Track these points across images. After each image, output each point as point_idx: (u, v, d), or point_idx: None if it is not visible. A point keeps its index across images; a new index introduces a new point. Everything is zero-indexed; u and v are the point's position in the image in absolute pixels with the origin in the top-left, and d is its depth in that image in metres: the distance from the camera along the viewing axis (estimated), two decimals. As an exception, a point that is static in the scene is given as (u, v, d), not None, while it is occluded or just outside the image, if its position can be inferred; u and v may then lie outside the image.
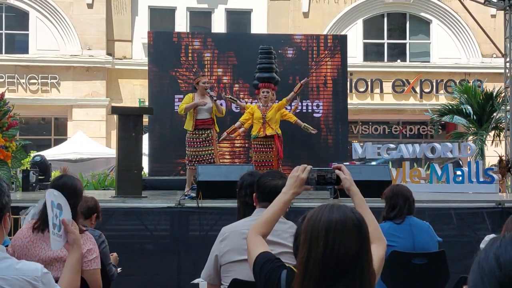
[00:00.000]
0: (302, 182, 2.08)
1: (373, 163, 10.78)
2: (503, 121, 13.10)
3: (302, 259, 1.64)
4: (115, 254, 4.08)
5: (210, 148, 7.41)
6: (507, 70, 11.76)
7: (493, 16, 16.95)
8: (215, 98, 7.40)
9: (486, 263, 1.06)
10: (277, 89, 8.41)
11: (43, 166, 9.61)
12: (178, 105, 8.19)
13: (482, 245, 3.07)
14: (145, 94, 12.91)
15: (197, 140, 7.41)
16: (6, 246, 2.75)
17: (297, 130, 9.01)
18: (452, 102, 15.45)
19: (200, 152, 7.40)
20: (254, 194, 2.86)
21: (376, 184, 5.37)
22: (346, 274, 1.59)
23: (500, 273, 1.03)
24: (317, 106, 10.98)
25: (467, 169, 9.41)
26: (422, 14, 18.59)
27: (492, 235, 3.18)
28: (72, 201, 2.99)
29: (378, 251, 1.97)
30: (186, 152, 7.53)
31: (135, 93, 17.28)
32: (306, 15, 18.04)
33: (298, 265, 1.68)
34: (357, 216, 1.68)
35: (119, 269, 4.19)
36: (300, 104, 9.90)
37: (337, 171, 2.10)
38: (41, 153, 14.60)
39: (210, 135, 7.42)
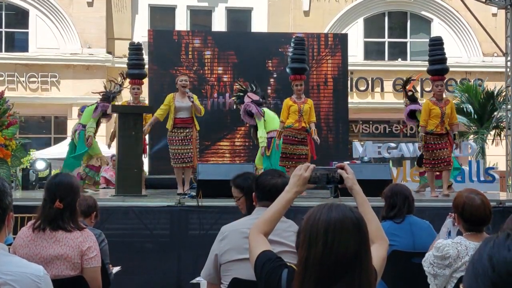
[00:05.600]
0: (305, 181, 2.07)
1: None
2: (504, 120, 13.08)
3: (301, 259, 1.64)
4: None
5: (189, 147, 7.42)
6: (508, 69, 11.74)
7: (494, 14, 16.93)
8: (192, 99, 7.36)
9: (480, 264, 1.06)
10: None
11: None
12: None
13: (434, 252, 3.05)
14: (145, 92, 12.89)
15: (176, 138, 7.45)
16: (9, 245, 2.75)
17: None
18: (453, 101, 15.43)
19: (180, 150, 7.42)
20: (254, 193, 2.86)
21: (377, 183, 5.35)
22: (345, 273, 1.58)
23: (493, 273, 1.03)
24: (318, 105, 10.97)
25: (468, 168, 9.41)
26: (423, 12, 18.57)
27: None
28: (70, 198, 3.00)
29: (379, 251, 1.96)
30: (169, 150, 7.58)
31: (135, 91, 17.24)
32: (306, 13, 18.02)
33: (297, 264, 1.67)
34: (356, 215, 1.67)
35: (118, 268, 4.19)
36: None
37: (339, 170, 2.09)
38: (41, 151, 14.61)
39: (189, 134, 7.44)
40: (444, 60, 7.98)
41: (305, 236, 1.64)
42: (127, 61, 8.29)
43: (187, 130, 7.44)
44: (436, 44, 8.10)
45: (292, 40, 8.33)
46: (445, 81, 8.15)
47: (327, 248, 1.59)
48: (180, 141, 7.43)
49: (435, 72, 7.86)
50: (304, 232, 1.66)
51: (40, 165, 9.79)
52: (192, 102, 7.37)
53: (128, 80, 8.13)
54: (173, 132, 7.47)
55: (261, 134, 7.62)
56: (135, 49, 8.21)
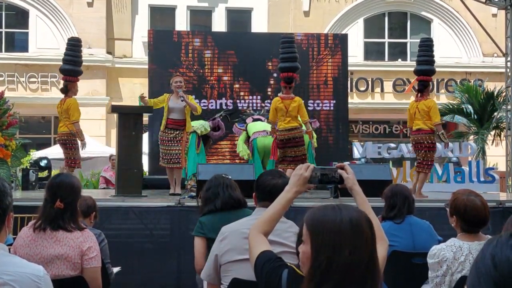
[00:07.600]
0: (305, 181, 2.06)
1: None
2: (504, 120, 13.08)
3: (320, 265, 1.55)
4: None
5: (177, 148, 7.39)
6: (508, 70, 11.73)
7: (494, 15, 16.93)
8: (182, 99, 7.27)
9: (483, 263, 1.06)
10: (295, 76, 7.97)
11: (48, 170, 9.66)
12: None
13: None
14: (145, 93, 12.89)
15: (166, 138, 7.42)
16: (9, 245, 2.74)
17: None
18: (453, 102, 15.43)
19: (168, 151, 7.40)
20: (254, 194, 2.85)
21: (377, 183, 5.35)
22: (361, 276, 1.55)
23: (496, 273, 1.03)
24: (318, 105, 10.97)
25: (467, 168, 9.40)
26: (423, 13, 18.58)
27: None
28: (70, 198, 3.00)
29: (380, 251, 1.95)
30: (160, 150, 7.57)
31: (135, 92, 17.23)
32: (306, 14, 18.02)
33: (310, 270, 1.59)
34: (365, 215, 1.65)
35: (118, 268, 4.19)
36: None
37: (340, 170, 2.09)
38: (41, 152, 14.60)
39: (179, 135, 7.41)
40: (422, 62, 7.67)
41: (323, 241, 1.56)
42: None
43: (177, 132, 7.40)
44: (421, 46, 7.86)
45: None
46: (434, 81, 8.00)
47: (355, 253, 1.54)
48: (169, 142, 7.40)
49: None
50: (321, 235, 1.57)
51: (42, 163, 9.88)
52: (185, 101, 7.27)
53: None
54: (164, 132, 7.44)
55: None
56: (71, 44, 7.84)
